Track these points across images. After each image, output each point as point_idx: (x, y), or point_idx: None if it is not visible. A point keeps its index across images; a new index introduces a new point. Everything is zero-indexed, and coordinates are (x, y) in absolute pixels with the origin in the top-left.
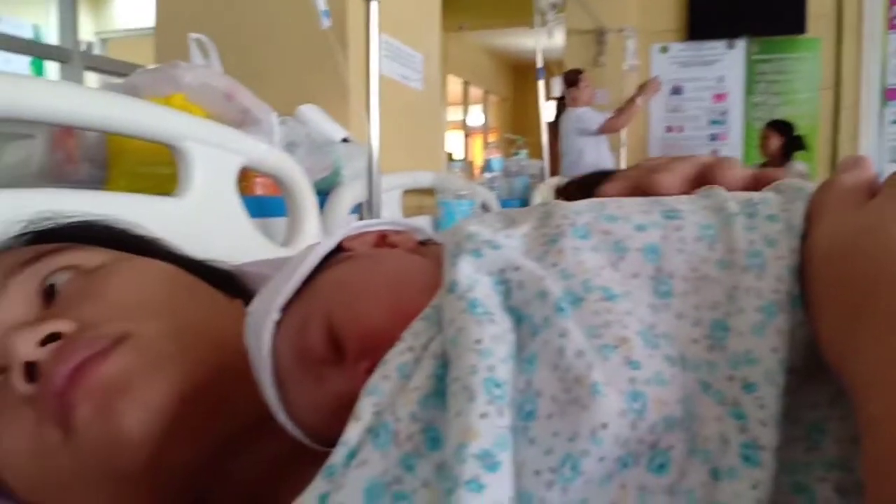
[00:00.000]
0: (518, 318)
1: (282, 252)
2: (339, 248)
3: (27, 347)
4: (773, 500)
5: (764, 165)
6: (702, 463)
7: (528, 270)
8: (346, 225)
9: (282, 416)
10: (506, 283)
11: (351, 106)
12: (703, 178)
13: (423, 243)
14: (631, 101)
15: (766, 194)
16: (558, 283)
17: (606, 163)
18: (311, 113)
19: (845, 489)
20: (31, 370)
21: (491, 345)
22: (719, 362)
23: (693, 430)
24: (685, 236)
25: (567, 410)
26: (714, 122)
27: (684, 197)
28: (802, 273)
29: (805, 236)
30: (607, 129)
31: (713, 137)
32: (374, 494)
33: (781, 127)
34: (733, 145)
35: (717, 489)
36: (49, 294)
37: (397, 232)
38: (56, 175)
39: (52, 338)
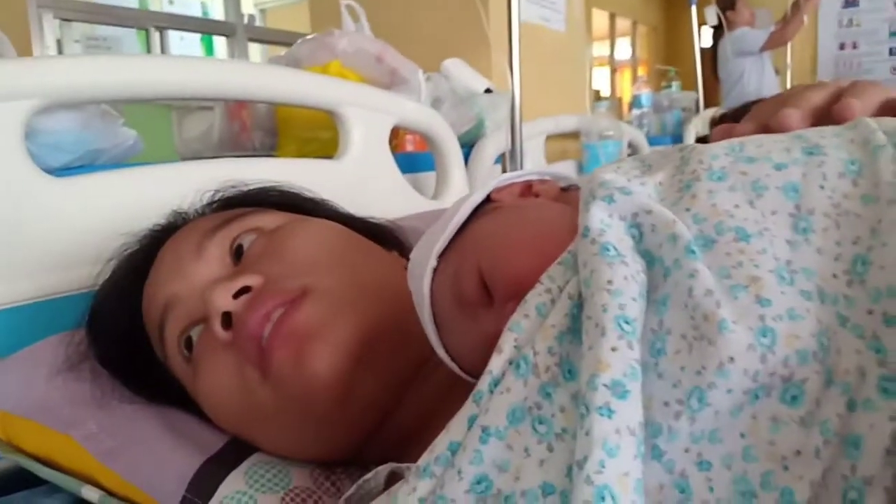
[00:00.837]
0: (650, 260)
1: (432, 205)
2: (488, 200)
3: (223, 300)
4: None
5: None
6: (840, 394)
7: (659, 214)
8: (490, 175)
9: (441, 352)
10: (638, 227)
11: (493, 55)
12: (836, 106)
13: (566, 189)
14: (796, 6)
15: None
16: (691, 227)
17: (771, 86)
18: (454, 67)
19: None
20: (227, 319)
21: (621, 285)
22: (859, 296)
23: (829, 362)
24: (827, 172)
25: (695, 346)
26: (894, 34)
27: (829, 129)
28: None
29: None
30: (772, 43)
31: (893, 52)
32: (517, 417)
33: None
34: None
35: (852, 420)
36: (238, 253)
37: (542, 181)
38: (233, 144)
39: (244, 291)
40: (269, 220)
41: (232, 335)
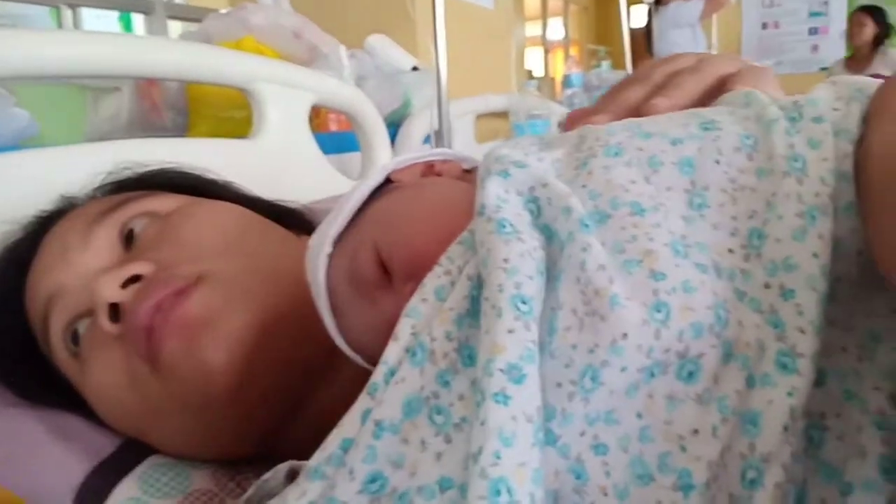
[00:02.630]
0: (549, 235)
1: None
2: (388, 181)
3: (110, 290)
4: (824, 408)
5: (851, 58)
6: (739, 370)
7: (554, 187)
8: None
9: (340, 342)
10: (535, 201)
11: (419, 32)
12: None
13: (469, 171)
14: None
15: (815, 94)
16: (586, 203)
17: None
18: (379, 44)
19: None
20: (116, 311)
21: (517, 262)
22: (755, 270)
23: (728, 335)
24: (723, 147)
25: (586, 323)
26: (814, 14)
27: (724, 108)
28: (857, 178)
29: (862, 140)
30: (710, 10)
31: (813, 31)
32: (413, 408)
33: (870, 11)
34: (834, 39)
35: (750, 396)
36: (129, 239)
37: (444, 161)
38: (144, 124)
39: (134, 280)
40: (164, 203)
41: (120, 328)
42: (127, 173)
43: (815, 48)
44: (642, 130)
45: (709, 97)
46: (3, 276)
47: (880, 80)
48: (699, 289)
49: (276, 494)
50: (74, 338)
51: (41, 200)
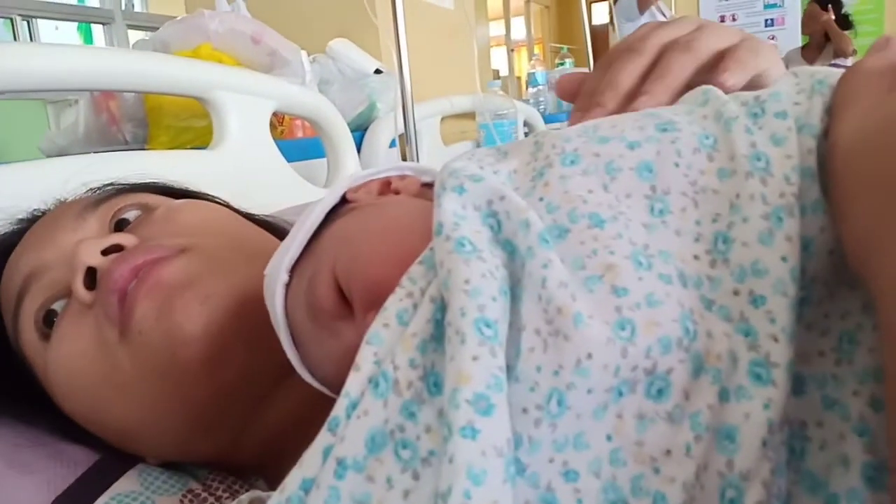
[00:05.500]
0: (511, 250)
1: (324, 193)
2: (344, 201)
3: (89, 254)
4: (805, 417)
5: (806, 47)
6: (710, 383)
7: (512, 200)
8: (387, 160)
9: (305, 374)
10: (495, 216)
11: (381, 35)
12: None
13: (429, 185)
14: None
15: (778, 87)
16: (545, 217)
17: None
18: (341, 47)
19: (879, 401)
20: (94, 279)
21: (479, 283)
22: (723, 276)
23: (698, 348)
24: (681, 149)
25: (550, 343)
26: (769, 7)
27: (681, 106)
28: (824, 173)
29: (827, 133)
30: (643, 3)
31: (769, 23)
32: (377, 443)
33: (829, 2)
34: (791, 30)
35: (725, 410)
36: (119, 224)
37: (401, 177)
38: (102, 138)
39: (117, 250)
40: (157, 199)
41: (94, 295)
42: (109, 189)
43: (771, 39)
44: (598, 135)
45: (704, 74)
46: None
47: (841, 70)
48: (664, 301)
49: None
50: (49, 320)
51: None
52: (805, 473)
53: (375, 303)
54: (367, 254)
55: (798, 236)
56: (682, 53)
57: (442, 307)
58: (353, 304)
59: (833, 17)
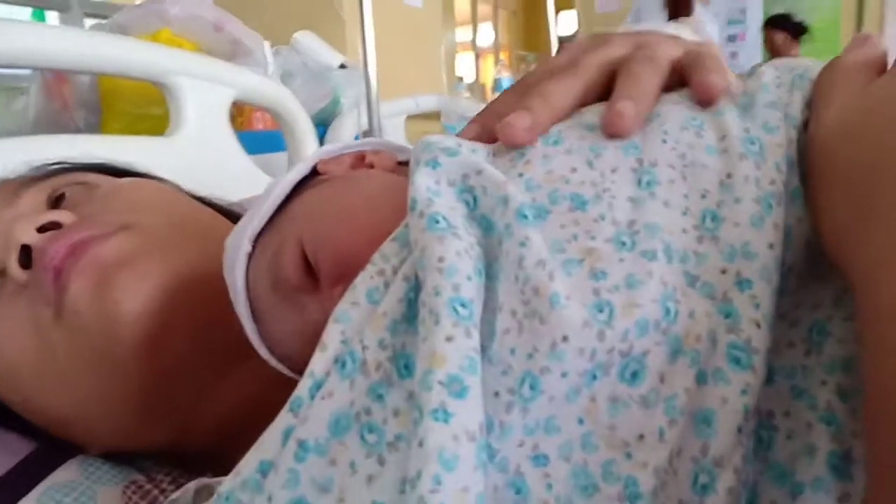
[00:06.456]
0: (487, 226)
1: None
2: (315, 173)
3: (24, 232)
4: (773, 406)
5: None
6: (688, 366)
7: (490, 174)
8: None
9: (263, 351)
10: (471, 191)
11: (347, 30)
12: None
13: (404, 163)
14: None
15: (764, 79)
16: (523, 194)
17: None
18: (306, 40)
19: (846, 392)
20: (30, 258)
21: (454, 261)
22: (711, 253)
23: (676, 330)
24: (669, 128)
25: (525, 325)
26: (732, 23)
27: (667, 95)
28: (803, 164)
29: (806, 125)
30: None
31: (731, 38)
32: (342, 426)
33: (779, 21)
34: (752, 45)
35: (702, 394)
36: (57, 202)
37: (376, 152)
38: (53, 124)
39: (54, 227)
40: (98, 178)
41: (29, 274)
42: (55, 167)
43: (734, 55)
44: (584, 122)
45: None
46: None
47: (821, 64)
48: (645, 281)
49: None
50: None
51: None
52: (772, 463)
53: (343, 276)
54: (336, 225)
55: (783, 226)
56: (645, 65)
57: (416, 286)
58: (319, 277)
59: (787, 35)
